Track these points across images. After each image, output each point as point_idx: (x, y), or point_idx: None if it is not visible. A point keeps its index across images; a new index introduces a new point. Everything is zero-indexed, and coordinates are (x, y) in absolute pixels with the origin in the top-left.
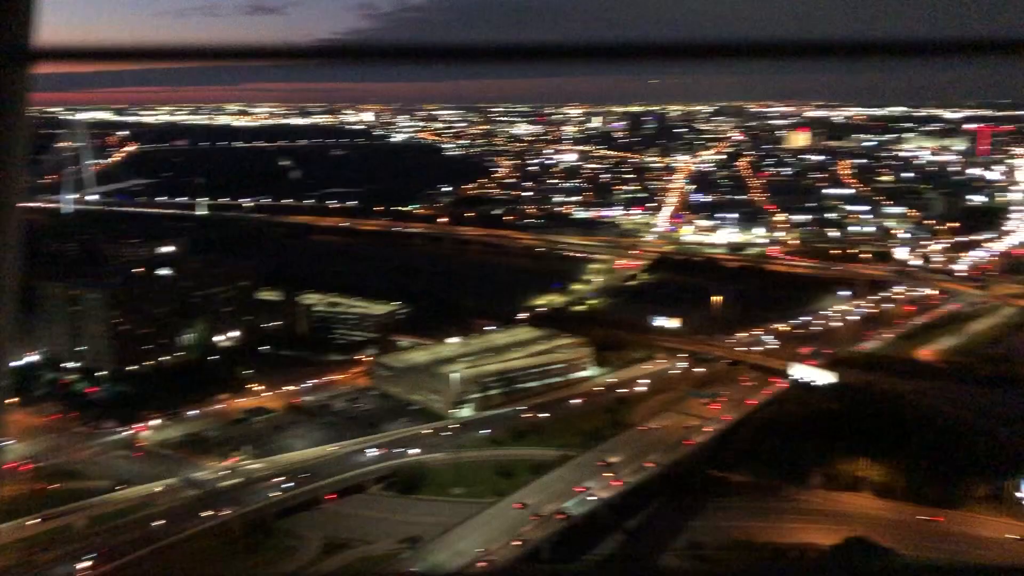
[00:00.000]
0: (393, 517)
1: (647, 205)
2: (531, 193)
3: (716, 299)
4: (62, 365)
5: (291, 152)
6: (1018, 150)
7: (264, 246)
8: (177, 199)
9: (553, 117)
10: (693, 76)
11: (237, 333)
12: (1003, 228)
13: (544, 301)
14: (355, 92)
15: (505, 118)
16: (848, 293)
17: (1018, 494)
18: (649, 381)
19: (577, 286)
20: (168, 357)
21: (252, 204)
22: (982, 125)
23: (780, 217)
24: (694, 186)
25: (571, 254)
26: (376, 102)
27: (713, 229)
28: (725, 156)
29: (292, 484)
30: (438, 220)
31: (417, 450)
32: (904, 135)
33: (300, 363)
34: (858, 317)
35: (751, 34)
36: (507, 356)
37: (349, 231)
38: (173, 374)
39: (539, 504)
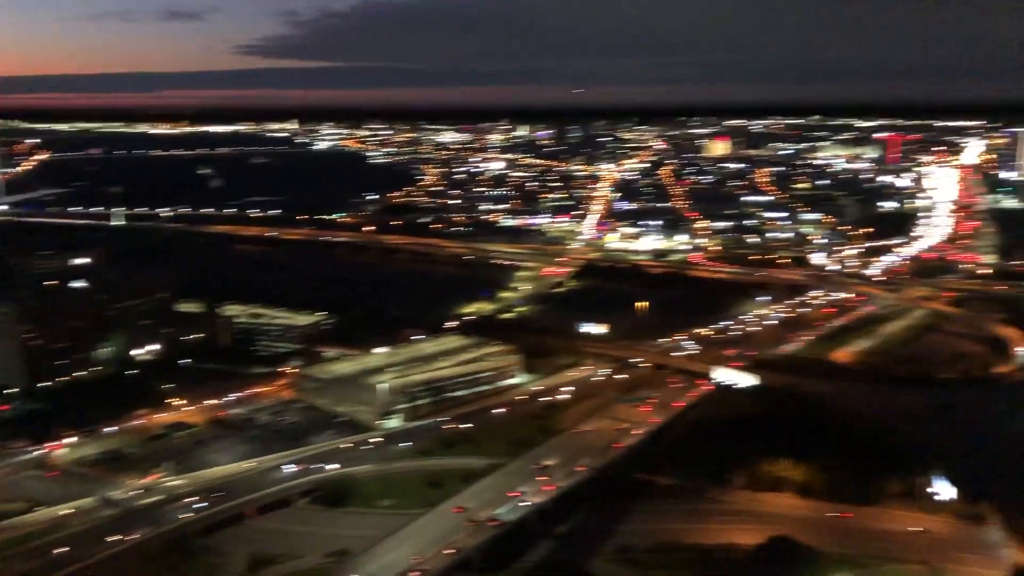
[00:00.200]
0: (320, 531)
1: (573, 213)
2: (458, 201)
3: (641, 305)
4: None
5: (211, 161)
6: (925, 158)
7: (184, 257)
8: (92, 209)
9: (479, 125)
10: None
11: (156, 346)
12: (913, 233)
13: (472, 309)
14: (277, 99)
15: (431, 126)
16: (768, 298)
17: (930, 489)
18: (577, 387)
19: (505, 294)
20: (84, 372)
21: (171, 214)
22: (892, 134)
23: (701, 224)
24: (618, 194)
25: (499, 262)
26: (299, 109)
27: (637, 236)
28: (648, 165)
29: (214, 500)
30: (364, 229)
31: (343, 462)
32: (819, 144)
33: (222, 376)
34: (778, 321)
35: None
36: (435, 365)
37: (272, 241)
38: (89, 390)
39: (474, 511)
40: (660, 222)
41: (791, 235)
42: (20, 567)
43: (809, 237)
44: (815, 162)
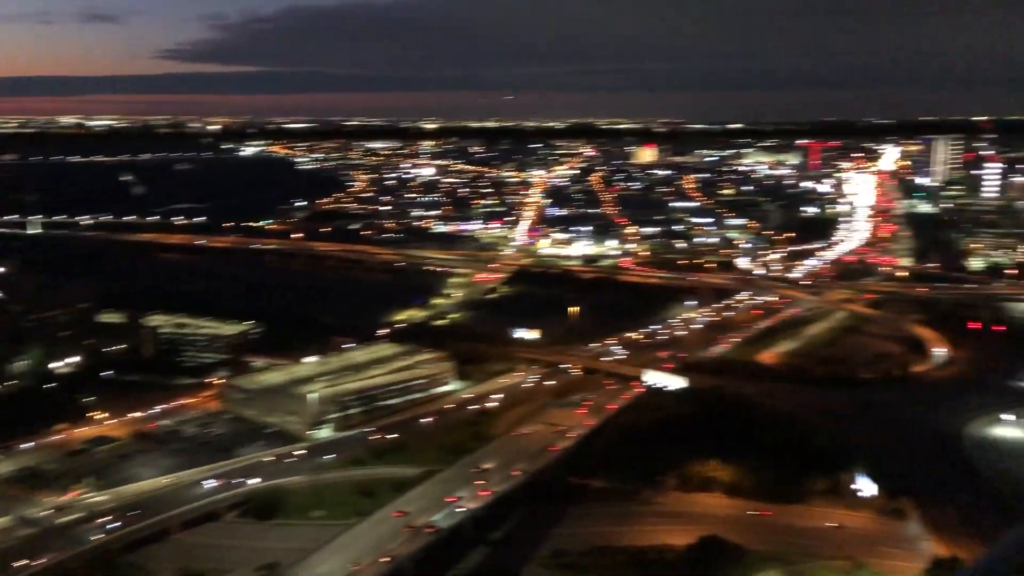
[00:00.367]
0: (249, 544)
1: (505, 219)
2: (389, 207)
3: (573, 310)
4: None
5: (133, 167)
6: (845, 164)
7: (105, 266)
8: (5, 217)
9: (410, 131)
10: (547, 93)
11: (77, 358)
12: (834, 237)
13: (404, 316)
14: (202, 104)
15: (361, 132)
16: (696, 301)
17: (853, 486)
18: (510, 392)
19: (437, 300)
20: None
21: (91, 221)
22: (813, 141)
23: (631, 230)
24: (550, 200)
25: (431, 268)
26: (224, 115)
27: (569, 242)
28: (578, 171)
29: (138, 516)
30: (292, 236)
31: (273, 474)
32: (743, 150)
33: (147, 388)
34: (705, 324)
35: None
36: (367, 373)
37: (197, 248)
38: (3, 405)
39: (412, 516)
40: (591, 228)
41: (717, 240)
42: None
43: (735, 242)
44: (740, 168)
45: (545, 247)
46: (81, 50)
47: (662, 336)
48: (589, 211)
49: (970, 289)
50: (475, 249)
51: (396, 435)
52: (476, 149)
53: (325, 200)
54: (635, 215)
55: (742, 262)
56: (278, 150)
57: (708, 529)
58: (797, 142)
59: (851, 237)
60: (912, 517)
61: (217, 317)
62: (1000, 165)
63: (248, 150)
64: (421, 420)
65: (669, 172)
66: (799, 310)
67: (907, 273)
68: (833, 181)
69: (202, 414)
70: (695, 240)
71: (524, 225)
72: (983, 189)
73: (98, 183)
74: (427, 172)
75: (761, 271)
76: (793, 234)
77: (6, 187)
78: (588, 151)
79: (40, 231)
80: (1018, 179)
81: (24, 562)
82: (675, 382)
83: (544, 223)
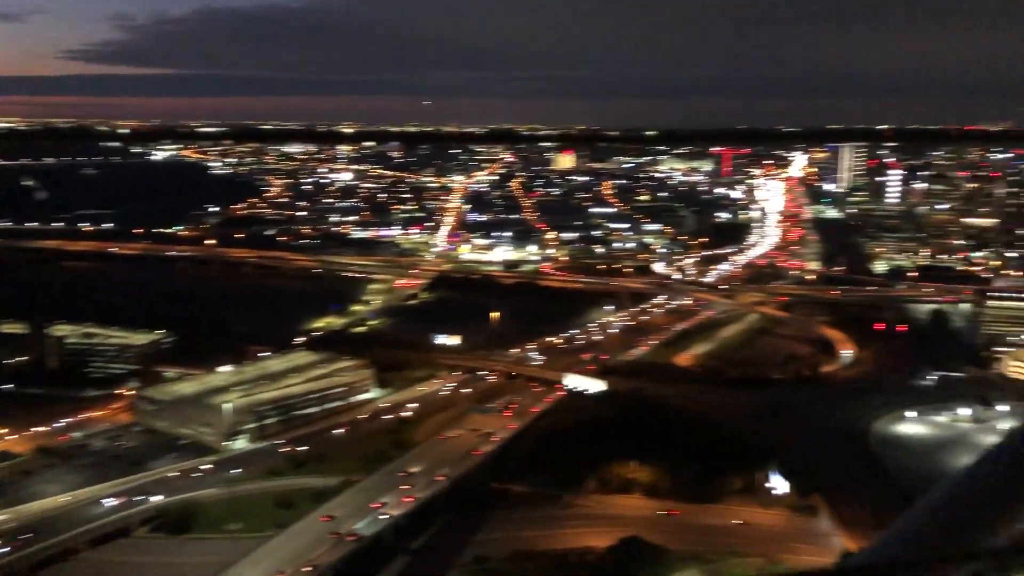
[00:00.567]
0: (163, 560)
1: (425, 224)
2: (306, 213)
3: (494, 315)
4: None
5: (36, 171)
6: (756, 171)
7: (5, 274)
8: None
9: (328, 135)
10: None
11: None
12: (746, 242)
13: (322, 324)
14: (109, 107)
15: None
16: (614, 305)
17: (767, 484)
18: (431, 399)
19: (356, 307)
20: None
21: None
22: (725, 148)
23: (551, 235)
24: (470, 206)
25: (349, 274)
26: (133, 118)
27: (489, 247)
28: (498, 177)
29: (41, 535)
30: (205, 242)
31: (186, 487)
32: (658, 157)
33: (51, 401)
34: (624, 327)
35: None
36: (284, 382)
37: (105, 256)
38: None
39: (338, 523)
40: (511, 233)
41: (635, 245)
42: None
43: (652, 247)
44: (656, 175)
45: (466, 252)
46: None
47: (582, 340)
48: (509, 217)
49: (875, 291)
50: (395, 255)
51: (314, 445)
52: (395, 154)
53: (240, 206)
54: (555, 221)
55: (659, 266)
56: (190, 154)
57: (628, 530)
58: (710, 149)
59: (762, 242)
60: (822, 513)
61: (127, 326)
62: (901, 172)
63: (159, 154)
64: (340, 429)
65: (587, 178)
66: (713, 313)
67: (815, 276)
68: (745, 187)
69: (111, 427)
70: (613, 245)
71: (444, 230)
72: (886, 195)
73: None
74: (345, 177)
75: (677, 275)
76: (707, 239)
77: None
78: (508, 157)
79: None
80: (918, 185)
81: None
82: (595, 385)
83: (464, 228)
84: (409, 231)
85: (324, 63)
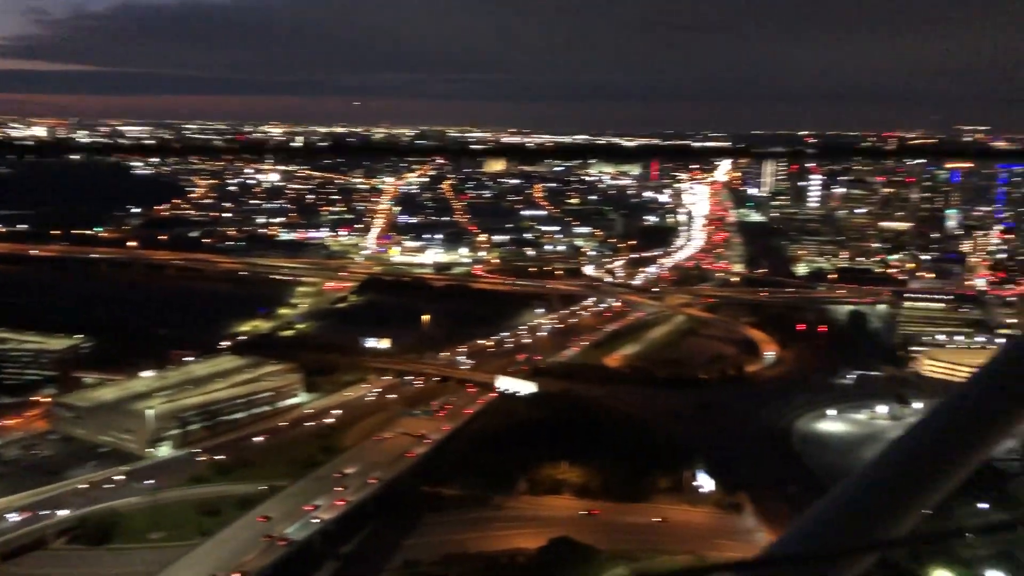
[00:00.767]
0: (80, 572)
1: (354, 226)
2: (231, 214)
3: (425, 318)
4: None
5: None
6: (682, 175)
7: None
8: None
9: (253, 135)
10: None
11: None
12: (673, 245)
13: (249, 327)
14: (24, 104)
15: (201, 136)
16: (545, 308)
17: (695, 483)
18: (361, 403)
19: (284, 310)
20: None
21: None
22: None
23: (482, 237)
24: (400, 207)
25: (277, 277)
26: (50, 116)
27: (420, 249)
28: (429, 179)
29: None
30: (127, 244)
31: (106, 496)
32: (588, 160)
33: None
34: (555, 329)
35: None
36: (209, 388)
37: (21, 258)
38: None
39: (272, 525)
40: (442, 236)
41: (565, 248)
42: None
43: (582, 249)
44: (585, 178)
45: (396, 255)
46: None
47: (513, 342)
48: (440, 219)
49: (797, 293)
50: (323, 257)
51: (240, 450)
52: (324, 154)
53: (163, 207)
54: (486, 223)
55: (589, 269)
56: (111, 153)
57: (558, 530)
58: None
59: (689, 244)
60: (747, 510)
61: (43, 331)
62: (821, 177)
63: (76, 153)
64: (267, 434)
65: (518, 181)
66: (642, 315)
67: (740, 278)
68: (672, 191)
69: (26, 435)
70: (544, 248)
71: (374, 232)
72: (807, 199)
73: None
74: (272, 178)
75: (607, 278)
76: (635, 242)
77: None
78: (439, 159)
79: None
80: (838, 190)
81: None
82: (526, 387)
83: (395, 230)
84: (338, 233)
85: (250, 63)
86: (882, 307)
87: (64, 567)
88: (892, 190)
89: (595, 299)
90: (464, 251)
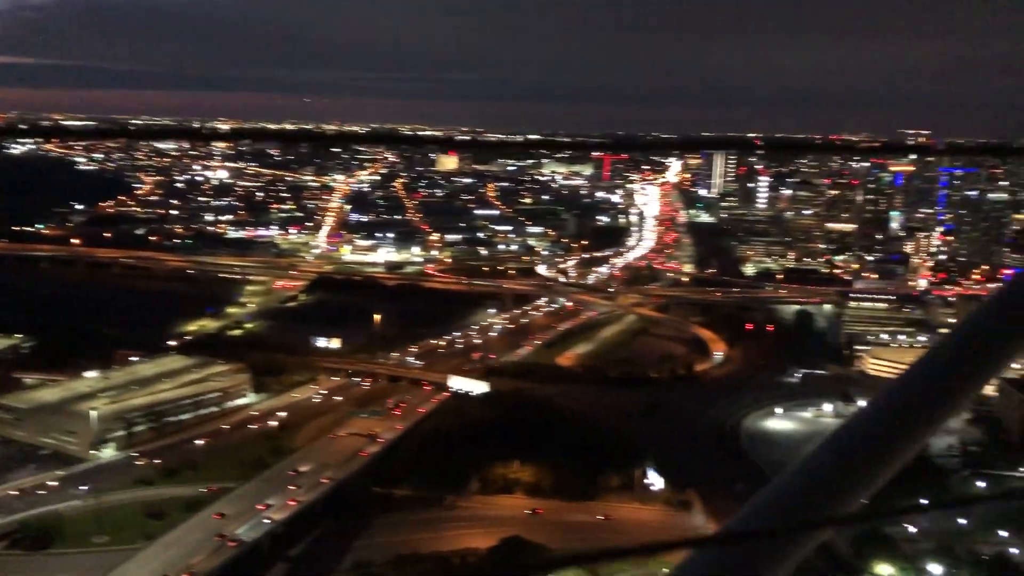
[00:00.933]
0: None
1: (305, 224)
2: (179, 212)
3: (376, 317)
4: None
5: None
6: (634, 176)
7: None
8: None
9: (202, 132)
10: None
11: None
12: (625, 245)
13: (196, 327)
14: None
15: (148, 132)
16: (498, 307)
17: (645, 481)
18: (311, 403)
19: (232, 309)
20: None
21: None
22: (604, 153)
23: (435, 236)
24: (351, 206)
25: (225, 276)
26: None
27: (372, 248)
28: (381, 177)
29: None
30: (70, 241)
31: (48, 500)
32: (541, 160)
33: None
34: (507, 329)
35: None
36: (155, 388)
37: None
38: None
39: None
40: (394, 234)
41: (518, 247)
42: None
43: (535, 249)
44: (538, 178)
45: (347, 253)
46: None
47: (466, 341)
48: (392, 217)
49: (745, 293)
50: (273, 255)
51: (187, 452)
52: (273, 152)
53: (108, 203)
54: (438, 222)
55: (542, 269)
56: (54, 149)
57: (510, 530)
58: (592, 154)
59: (640, 245)
60: (696, 507)
61: None
62: (769, 179)
63: (17, 149)
64: (215, 435)
65: (471, 180)
66: (594, 314)
67: (690, 278)
68: (624, 192)
69: None
70: (497, 247)
71: (325, 231)
72: (755, 201)
73: None
74: (220, 175)
75: (559, 277)
76: (588, 242)
77: None
78: (391, 157)
79: None
80: (785, 192)
81: None
82: (479, 386)
83: (346, 229)
84: (288, 231)
85: (197, 58)
86: (828, 307)
87: (3, 573)
88: (838, 192)
89: (548, 299)
90: (416, 250)
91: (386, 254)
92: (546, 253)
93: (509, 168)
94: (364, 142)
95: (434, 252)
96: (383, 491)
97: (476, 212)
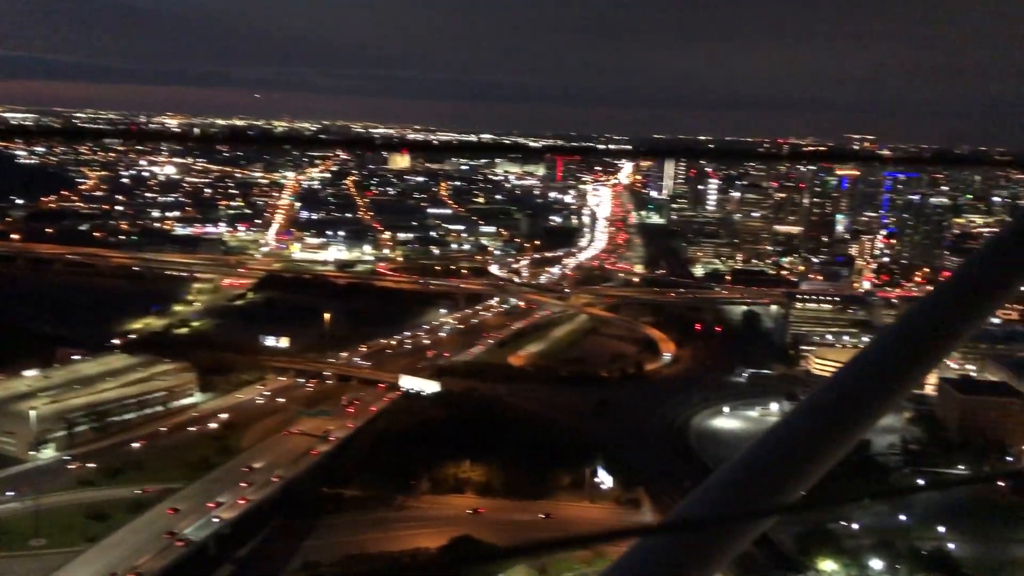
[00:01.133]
0: None
1: (254, 222)
2: (124, 207)
3: (326, 316)
4: None
5: None
6: (586, 177)
7: None
8: None
9: (148, 127)
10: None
11: None
12: (577, 245)
13: (141, 325)
14: None
15: (92, 125)
16: (450, 307)
17: (595, 479)
18: (258, 402)
19: (179, 307)
20: None
21: None
22: (557, 154)
23: (386, 235)
24: (301, 203)
25: (171, 273)
26: None
27: (322, 246)
28: (331, 174)
29: None
30: (10, 237)
31: None
32: (494, 160)
33: None
34: (459, 328)
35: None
36: (98, 387)
37: None
38: None
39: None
40: (345, 233)
41: (471, 246)
42: None
43: (487, 249)
44: (491, 177)
45: (297, 251)
46: None
47: (418, 341)
48: (343, 215)
49: (694, 293)
50: (221, 253)
51: (131, 452)
52: (222, 147)
53: (50, 198)
54: (390, 221)
55: (494, 268)
56: None
57: (460, 529)
58: (545, 154)
59: (592, 245)
60: (645, 505)
61: None
62: (719, 182)
63: None
64: (159, 435)
65: (424, 179)
66: (546, 313)
67: (640, 279)
68: (576, 192)
69: None
70: (449, 246)
71: (274, 228)
72: (705, 203)
73: None
74: (167, 170)
75: (512, 277)
76: (540, 242)
77: None
78: (342, 154)
79: None
80: (734, 194)
81: None
82: (430, 386)
83: (296, 227)
84: (237, 228)
85: (146, 51)
86: (774, 308)
87: None
88: (785, 195)
89: (500, 298)
90: (367, 248)
91: (336, 252)
92: (499, 253)
93: (462, 167)
94: (315, 146)
95: (386, 251)
96: (332, 491)
97: (428, 211)
